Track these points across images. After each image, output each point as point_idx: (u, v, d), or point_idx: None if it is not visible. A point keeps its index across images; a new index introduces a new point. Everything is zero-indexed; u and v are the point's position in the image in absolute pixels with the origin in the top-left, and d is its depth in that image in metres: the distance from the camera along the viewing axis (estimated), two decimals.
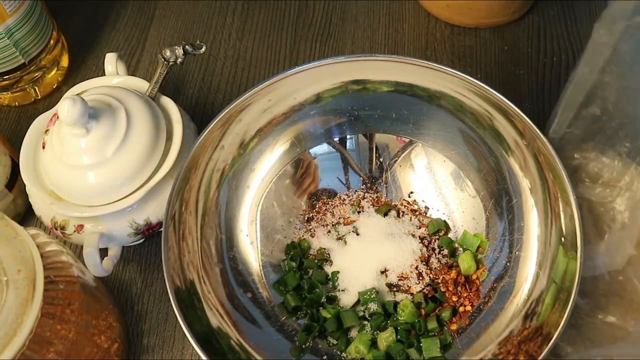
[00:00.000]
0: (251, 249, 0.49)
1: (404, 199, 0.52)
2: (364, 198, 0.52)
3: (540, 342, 0.39)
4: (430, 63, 0.46)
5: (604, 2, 0.64)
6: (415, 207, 0.51)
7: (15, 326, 0.34)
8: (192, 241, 0.46)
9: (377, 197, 0.52)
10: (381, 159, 0.52)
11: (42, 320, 0.35)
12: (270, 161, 0.51)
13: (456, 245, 0.49)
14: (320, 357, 0.46)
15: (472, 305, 0.46)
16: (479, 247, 0.48)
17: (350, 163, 0.53)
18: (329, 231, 0.51)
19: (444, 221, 0.50)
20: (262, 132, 0.50)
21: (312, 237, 0.51)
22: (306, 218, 0.52)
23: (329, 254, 0.50)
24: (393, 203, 0.52)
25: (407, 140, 0.52)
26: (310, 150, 0.52)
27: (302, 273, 0.49)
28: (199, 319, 0.43)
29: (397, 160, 0.52)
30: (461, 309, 0.46)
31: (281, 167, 0.51)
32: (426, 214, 0.51)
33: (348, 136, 0.52)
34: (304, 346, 0.46)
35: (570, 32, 0.63)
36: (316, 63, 0.47)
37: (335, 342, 0.46)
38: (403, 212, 0.51)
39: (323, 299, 0.48)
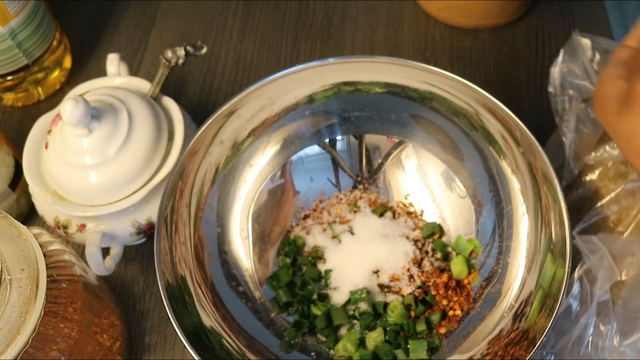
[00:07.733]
0: (245, 244, 0.50)
1: (400, 201, 0.52)
2: (360, 198, 0.52)
3: (526, 346, 0.39)
4: (422, 64, 0.45)
5: (601, 3, 0.65)
6: (412, 209, 0.51)
7: (18, 324, 0.34)
8: (185, 235, 0.46)
9: (374, 197, 0.52)
10: (379, 160, 0.52)
11: (45, 318, 0.35)
12: (267, 156, 0.51)
13: (449, 249, 0.49)
14: (308, 354, 0.46)
15: (461, 310, 0.46)
16: (472, 252, 0.48)
17: (341, 164, 0.53)
18: (325, 229, 0.51)
19: (439, 225, 0.50)
20: (256, 131, 0.50)
21: (308, 234, 0.51)
22: (303, 215, 0.52)
23: (323, 252, 0.50)
24: (390, 204, 0.52)
25: (397, 140, 0.51)
26: (302, 152, 0.52)
27: (296, 269, 0.49)
28: (189, 314, 0.43)
29: (390, 160, 0.52)
30: (450, 312, 0.46)
31: (278, 163, 0.51)
32: (421, 216, 0.51)
33: (339, 137, 0.52)
34: (292, 342, 0.46)
35: (568, 33, 0.63)
36: (303, 66, 0.47)
37: (324, 339, 0.47)
38: (399, 213, 0.51)
39: (314, 296, 0.48)
